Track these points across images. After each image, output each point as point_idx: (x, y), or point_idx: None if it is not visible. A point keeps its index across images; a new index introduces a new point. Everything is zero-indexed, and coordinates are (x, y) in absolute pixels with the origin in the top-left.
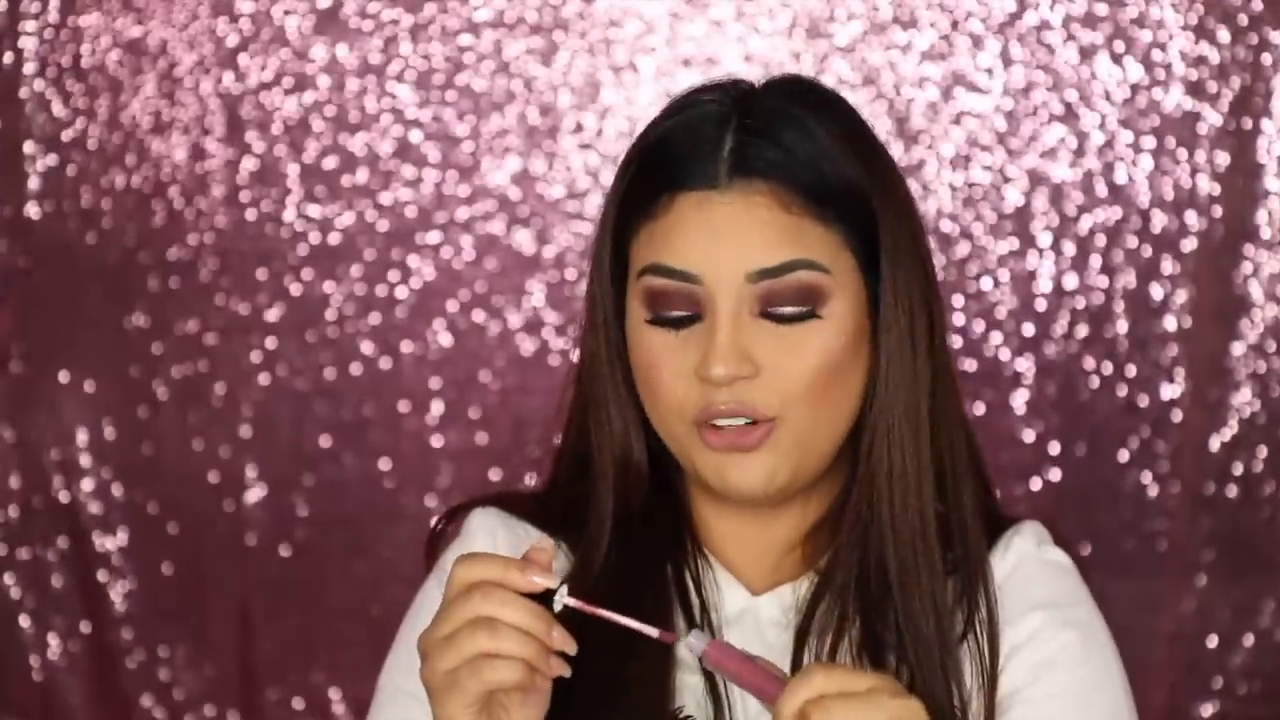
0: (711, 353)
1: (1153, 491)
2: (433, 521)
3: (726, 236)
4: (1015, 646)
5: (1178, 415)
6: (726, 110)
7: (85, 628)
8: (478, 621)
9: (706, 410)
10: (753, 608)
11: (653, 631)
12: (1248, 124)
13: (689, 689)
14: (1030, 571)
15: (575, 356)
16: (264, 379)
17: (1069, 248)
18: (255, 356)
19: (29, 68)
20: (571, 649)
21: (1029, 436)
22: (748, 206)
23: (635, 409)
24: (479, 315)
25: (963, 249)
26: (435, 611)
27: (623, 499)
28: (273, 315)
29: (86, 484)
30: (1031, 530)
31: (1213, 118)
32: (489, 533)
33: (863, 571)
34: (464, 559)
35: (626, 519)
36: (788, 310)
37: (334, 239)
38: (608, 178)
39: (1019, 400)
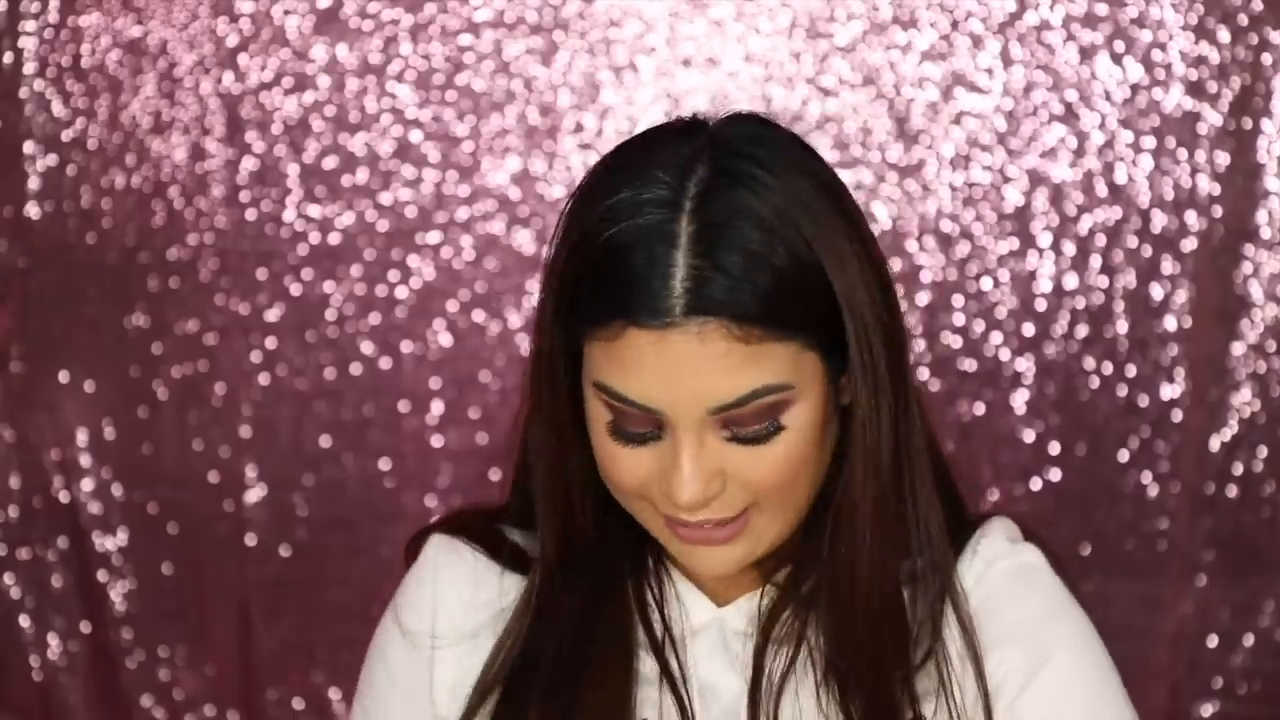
0: (678, 482)
1: (1153, 491)
2: (409, 538)
3: (685, 373)
4: (998, 684)
5: (1178, 415)
6: (671, 220)
7: (85, 628)
8: None
9: (675, 520)
10: (718, 619)
11: None
12: (1248, 124)
13: (649, 704)
14: (1000, 578)
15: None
16: (264, 379)
17: (1069, 248)
18: (255, 356)
19: (29, 67)
20: None
21: (1029, 436)
22: (704, 342)
23: (585, 448)
24: (479, 315)
25: (963, 249)
26: (392, 663)
27: (568, 529)
28: (273, 315)
29: (86, 484)
30: (999, 528)
31: (1213, 118)
32: (434, 572)
33: (821, 585)
34: None
35: (576, 542)
36: (751, 432)
37: (334, 239)
38: None
39: (1019, 400)
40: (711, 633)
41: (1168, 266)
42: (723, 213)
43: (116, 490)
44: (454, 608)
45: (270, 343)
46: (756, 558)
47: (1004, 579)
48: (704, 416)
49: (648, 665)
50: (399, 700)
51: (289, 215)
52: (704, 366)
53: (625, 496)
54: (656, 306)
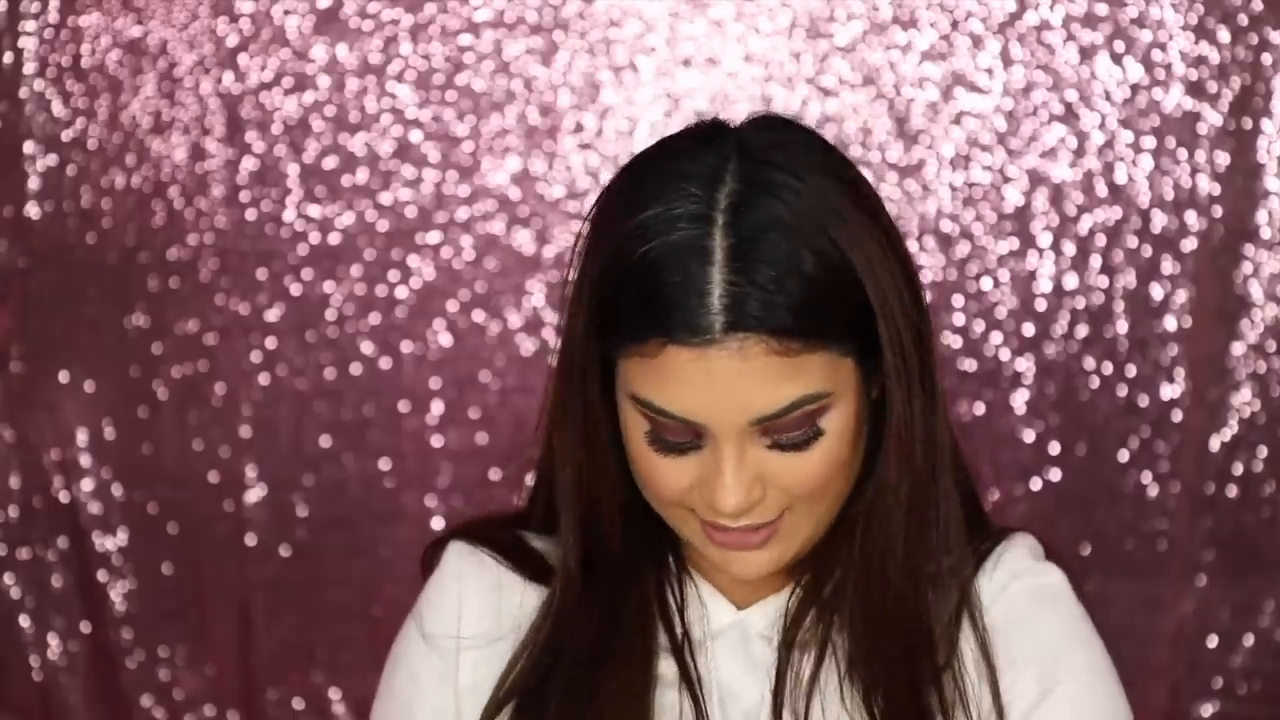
0: (720, 492)
1: (1153, 491)
2: (425, 547)
3: (726, 387)
4: (1007, 704)
5: (1178, 415)
6: (706, 235)
7: (85, 628)
8: None
9: (711, 525)
10: (739, 622)
11: None
12: (1248, 124)
13: (668, 707)
14: (1021, 597)
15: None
16: (264, 379)
17: (1069, 248)
18: (255, 356)
19: (29, 67)
20: None
21: (1029, 436)
22: (744, 358)
23: (615, 457)
24: (479, 315)
25: (963, 249)
26: (416, 668)
27: (593, 534)
28: (273, 315)
29: (86, 484)
30: (1023, 545)
31: (1213, 118)
32: (458, 578)
33: (846, 587)
34: None
35: (599, 555)
36: (791, 439)
37: (334, 239)
38: (608, 178)
39: (1019, 400)
40: (732, 636)
41: (1168, 266)
42: (755, 225)
43: (116, 490)
44: (479, 612)
45: (270, 343)
46: (789, 560)
47: (1024, 598)
48: (745, 427)
49: (667, 668)
50: (423, 705)
51: (289, 215)
52: (745, 381)
53: (663, 505)
54: (696, 325)
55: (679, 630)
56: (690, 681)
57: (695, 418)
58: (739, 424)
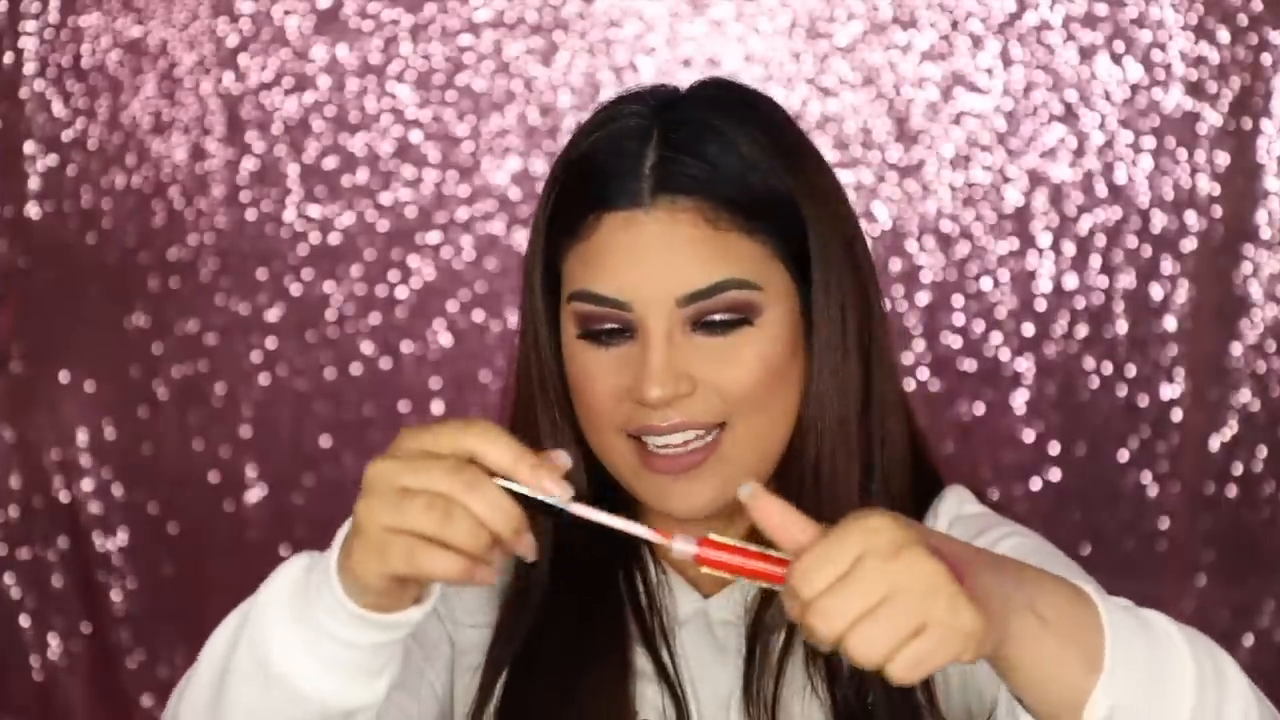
0: (645, 376)
1: (1153, 491)
2: None
3: (654, 260)
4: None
5: (1177, 415)
6: (647, 123)
7: (85, 628)
8: (436, 500)
9: (645, 429)
10: (704, 609)
11: (649, 534)
12: (1247, 124)
13: (648, 700)
14: (958, 529)
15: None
16: (264, 379)
17: (1069, 248)
18: (255, 356)
19: (29, 68)
20: (533, 557)
21: (1029, 436)
22: (674, 224)
23: (572, 425)
24: (479, 315)
25: (963, 249)
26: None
27: (560, 531)
28: (273, 315)
29: (87, 484)
30: (954, 495)
31: (1212, 118)
32: None
33: None
34: (480, 424)
35: (569, 533)
36: (719, 319)
37: (334, 239)
38: None
39: (1019, 400)
40: (697, 623)
41: (1167, 266)
42: (692, 114)
43: (117, 490)
44: (468, 595)
45: (270, 343)
46: (729, 495)
47: (959, 528)
48: (672, 309)
49: (643, 659)
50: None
51: (289, 215)
52: (672, 253)
53: (602, 427)
54: (628, 189)
55: (649, 621)
56: (666, 674)
57: (624, 295)
58: (666, 302)
